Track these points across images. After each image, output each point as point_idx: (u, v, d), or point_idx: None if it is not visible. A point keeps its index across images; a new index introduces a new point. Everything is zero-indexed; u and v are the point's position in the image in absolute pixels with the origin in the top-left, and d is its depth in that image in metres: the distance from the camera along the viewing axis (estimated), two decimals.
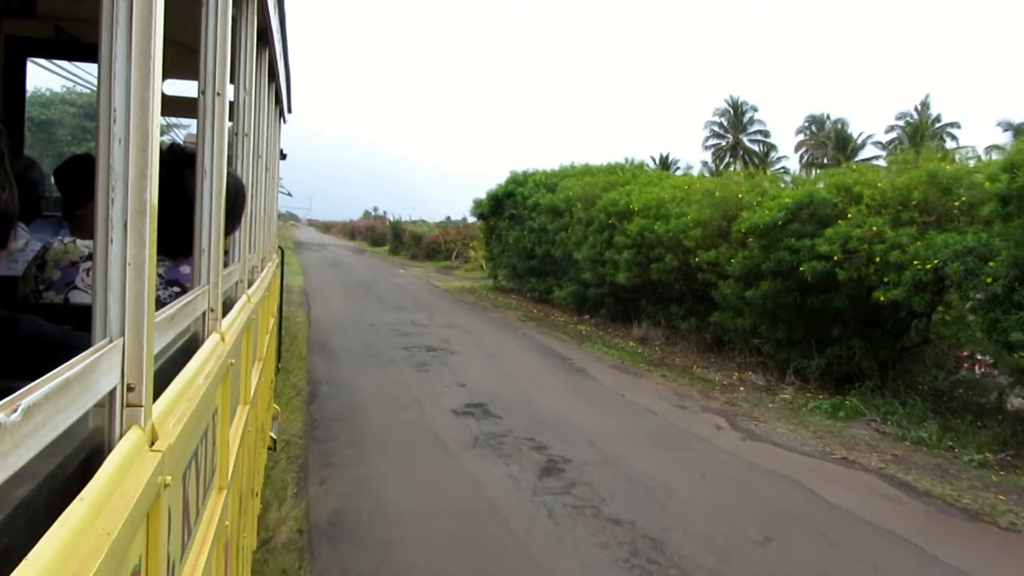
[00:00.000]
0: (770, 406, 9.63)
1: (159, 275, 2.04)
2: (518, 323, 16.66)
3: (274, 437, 5.54)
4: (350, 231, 77.88)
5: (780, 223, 10.53)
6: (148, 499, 0.95)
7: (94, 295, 0.97)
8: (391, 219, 60.67)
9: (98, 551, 0.74)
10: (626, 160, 19.60)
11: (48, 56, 4.65)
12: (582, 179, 18.95)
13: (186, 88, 4.51)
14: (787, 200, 10.72)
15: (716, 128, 67.94)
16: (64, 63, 4.95)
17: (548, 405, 8.83)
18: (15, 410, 0.65)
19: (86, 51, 4.46)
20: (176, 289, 2.07)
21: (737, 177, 14.84)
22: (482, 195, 24.44)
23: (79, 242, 2.12)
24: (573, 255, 17.44)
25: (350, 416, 7.87)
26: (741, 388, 10.68)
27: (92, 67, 5.00)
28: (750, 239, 11.10)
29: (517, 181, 22.55)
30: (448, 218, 61.17)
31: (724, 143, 67.21)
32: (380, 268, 33.80)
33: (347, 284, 24.21)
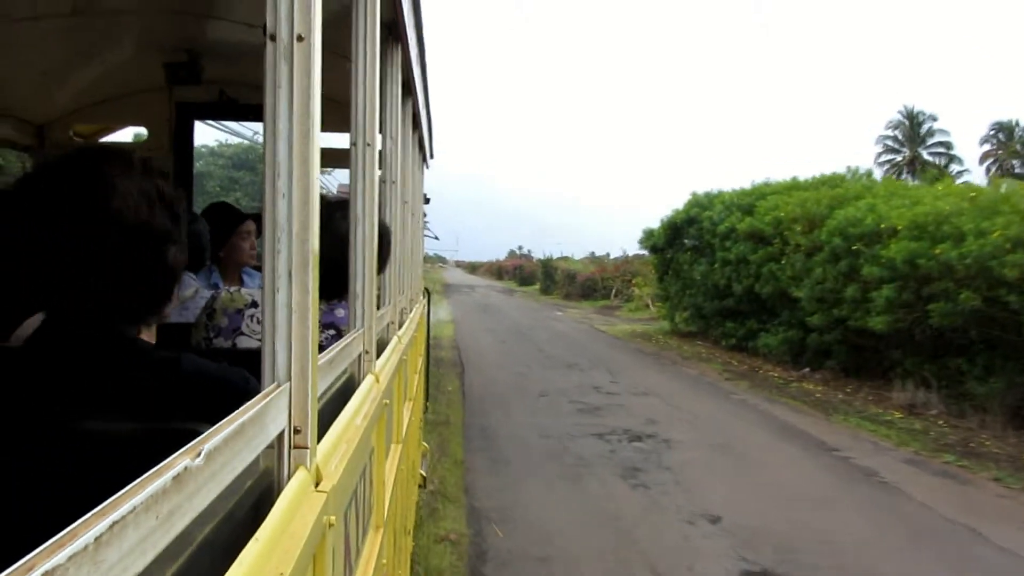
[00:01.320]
0: None
1: None
2: (725, 383, 13.12)
3: (424, 475, 5.65)
4: (497, 271, 79.12)
5: None
6: (315, 539, 0.98)
7: (263, 342, 1.02)
8: (538, 257, 60.74)
9: None
10: (848, 170, 16.11)
11: (212, 117, 5.03)
12: (793, 196, 15.24)
13: (336, 139, 4.75)
14: None
15: (889, 142, 62.30)
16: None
17: (875, 568, 5.31)
18: (198, 454, 0.68)
19: (244, 111, 4.80)
20: (331, 332, 2.16)
21: None
22: (650, 225, 21.52)
23: (244, 290, 2.26)
24: (789, 292, 13.93)
25: None
26: None
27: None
28: None
29: (700, 204, 19.00)
30: (592, 253, 60.81)
31: (900, 158, 61.38)
32: (534, 311, 31.31)
33: (501, 332, 21.24)
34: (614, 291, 35.18)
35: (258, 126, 7.24)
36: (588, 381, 12.82)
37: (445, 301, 33.55)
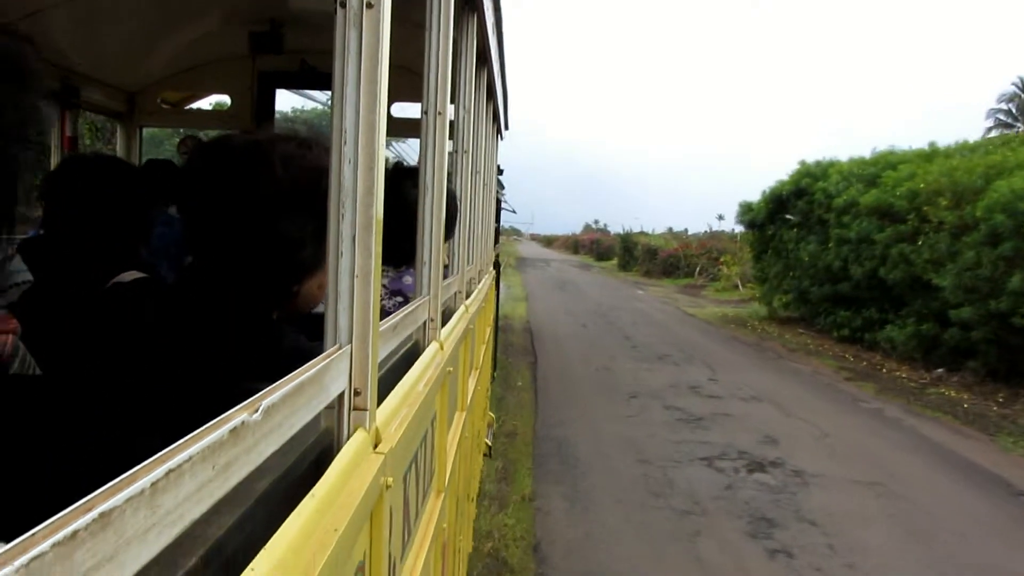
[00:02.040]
0: None
1: (384, 286, 2.17)
2: (846, 385, 11.20)
3: (489, 444, 5.72)
4: (573, 245, 78.74)
5: None
6: (371, 499, 1.00)
7: (326, 305, 1.04)
8: (616, 232, 59.75)
9: (326, 545, 0.79)
10: (1001, 136, 14.25)
11: (293, 86, 5.12)
12: (934, 165, 12.94)
13: (411, 109, 4.79)
14: None
15: (1001, 116, 56.31)
16: None
17: None
18: (256, 410, 0.71)
19: (325, 79, 4.88)
20: (399, 299, 2.20)
21: None
22: (749, 197, 19.53)
23: None
24: (925, 278, 11.92)
25: None
26: None
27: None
28: None
29: (811, 174, 16.90)
30: (670, 228, 59.76)
31: (1012, 133, 57.81)
32: (614, 288, 29.38)
33: (581, 314, 19.23)
34: (698, 269, 33.39)
35: None
36: (684, 378, 11.05)
37: (519, 276, 32.65)
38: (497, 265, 9.27)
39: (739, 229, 22.68)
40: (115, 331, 1.26)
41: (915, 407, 9.83)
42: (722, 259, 31.12)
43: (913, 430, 8.61)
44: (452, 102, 2.79)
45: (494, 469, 6.24)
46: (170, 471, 0.54)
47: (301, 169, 1.28)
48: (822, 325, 15.86)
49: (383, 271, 2.20)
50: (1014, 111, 57.24)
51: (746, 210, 19.55)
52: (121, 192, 2.11)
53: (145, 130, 4.78)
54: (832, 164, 16.72)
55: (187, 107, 5.02)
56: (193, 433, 0.60)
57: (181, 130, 6.54)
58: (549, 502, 5.78)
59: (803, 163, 17.80)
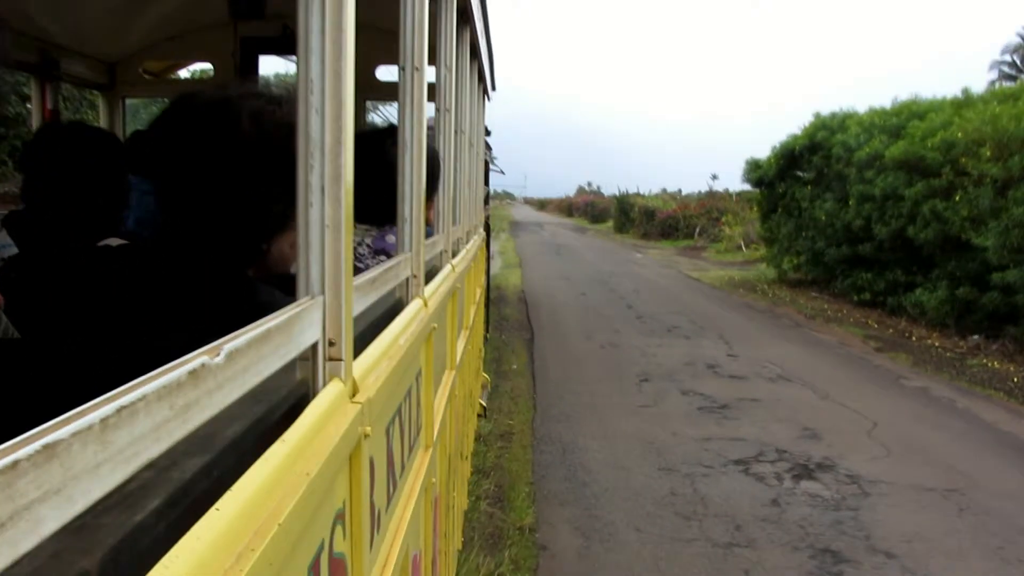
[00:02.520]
0: None
1: (367, 244, 2.17)
2: (878, 358, 10.09)
3: (483, 404, 5.74)
4: (567, 208, 78.30)
5: None
6: (348, 446, 1.01)
7: (297, 256, 1.04)
8: (611, 193, 59.01)
9: (296, 489, 0.79)
10: None
11: (275, 52, 5.06)
12: (971, 112, 11.72)
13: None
14: None
15: (1006, 68, 54.28)
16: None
17: None
18: (219, 354, 0.70)
19: None
20: (383, 258, 2.19)
21: None
22: (738, 158, 18.95)
23: None
24: (963, 237, 10.89)
25: None
26: None
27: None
28: None
29: (827, 127, 15.74)
30: (664, 189, 59.25)
31: (1018, 85, 55.37)
32: (611, 252, 28.24)
33: (579, 280, 18.23)
34: (698, 230, 32.37)
35: None
36: (699, 354, 9.85)
37: (512, 240, 31.91)
38: (487, 228, 9.24)
39: (735, 188, 22.34)
40: (97, 295, 1.26)
41: (961, 383, 8.82)
42: (723, 219, 30.36)
43: (970, 414, 7.50)
44: (433, 62, 2.76)
45: (485, 490, 5.23)
46: (122, 408, 0.53)
47: (271, 125, 1.26)
48: (839, 288, 14.80)
49: (366, 230, 2.18)
50: (1018, 62, 55.70)
51: (754, 167, 18.42)
52: (99, 160, 2.10)
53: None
54: (850, 115, 15.59)
55: (170, 76, 4.96)
56: (150, 374, 0.60)
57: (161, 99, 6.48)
58: (555, 534, 4.68)
59: (817, 115, 16.61)
